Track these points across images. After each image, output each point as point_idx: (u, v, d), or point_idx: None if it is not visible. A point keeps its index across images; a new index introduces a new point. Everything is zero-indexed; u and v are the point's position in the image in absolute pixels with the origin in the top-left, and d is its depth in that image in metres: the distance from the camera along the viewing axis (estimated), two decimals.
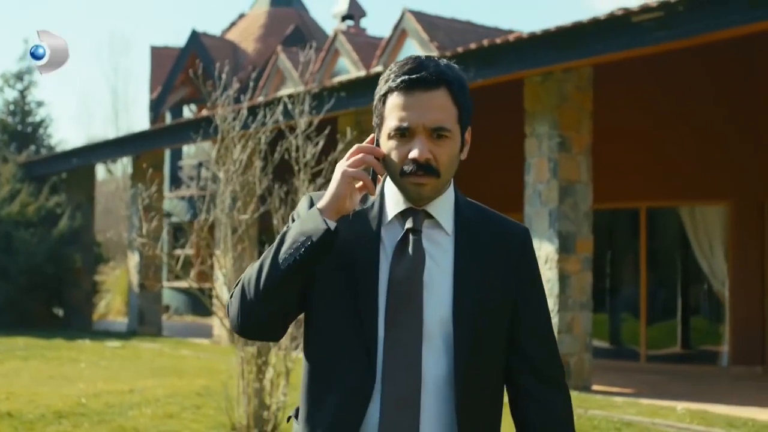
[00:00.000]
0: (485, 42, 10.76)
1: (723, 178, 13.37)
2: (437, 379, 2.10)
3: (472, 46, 10.94)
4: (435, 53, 15.77)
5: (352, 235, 2.13)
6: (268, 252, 2.10)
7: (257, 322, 2.16)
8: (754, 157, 13.11)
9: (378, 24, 68.64)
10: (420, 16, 19.78)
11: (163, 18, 66.47)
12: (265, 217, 8.18)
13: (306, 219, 2.10)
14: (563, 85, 10.78)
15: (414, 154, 2.06)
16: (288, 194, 7.83)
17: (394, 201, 2.17)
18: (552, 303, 10.64)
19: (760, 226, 13.23)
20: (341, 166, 2.10)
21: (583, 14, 58.46)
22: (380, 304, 2.10)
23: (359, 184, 2.09)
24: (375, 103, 2.16)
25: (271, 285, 2.08)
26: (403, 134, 2.08)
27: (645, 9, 8.90)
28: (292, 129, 7.94)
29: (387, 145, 2.11)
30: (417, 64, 2.11)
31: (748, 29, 8.75)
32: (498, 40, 10.55)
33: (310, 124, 7.90)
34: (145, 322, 18.92)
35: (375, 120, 2.17)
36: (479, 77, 10.83)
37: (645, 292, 14.02)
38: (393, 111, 2.10)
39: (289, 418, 2.27)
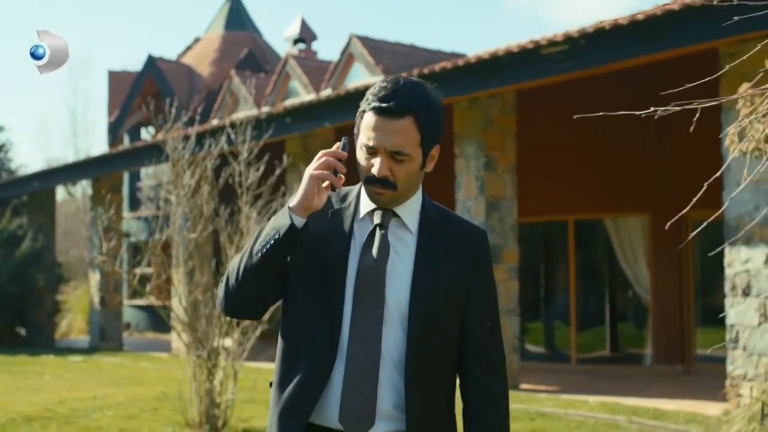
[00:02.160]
0: (415, 71, 11.71)
1: (643, 192, 14.34)
2: (395, 356, 2.40)
3: (404, 75, 11.87)
4: (381, 76, 16.74)
5: (329, 230, 2.45)
6: (248, 244, 2.44)
7: (238, 304, 2.49)
8: (670, 172, 14.08)
9: (329, 47, 69.63)
10: (366, 41, 20.62)
11: (122, 40, 66.95)
12: (217, 236, 9.06)
13: (278, 216, 2.42)
14: (488, 109, 11.75)
15: (374, 170, 2.38)
16: (232, 215, 8.75)
17: (367, 201, 2.48)
18: None
19: (677, 235, 14.22)
20: (309, 170, 2.39)
21: (542, 29, 59.55)
22: (348, 289, 2.41)
23: (326, 183, 2.37)
24: (357, 114, 2.46)
25: (247, 273, 2.41)
26: (368, 150, 2.40)
27: (552, 43, 9.88)
28: (236, 155, 8.86)
29: (360, 154, 2.43)
30: (391, 91, 2.38)
31: (643, 60, 9.68)
32: (426, 71, 11.50)
33: (251, 151, 8.83)
34: (106, 338, 19.57)
35: (355, 129, 2.49)
36: None
37: (575, 300, 15.01)
38: (365, 129, 2.40)
39: (271, 384, 2.55)
